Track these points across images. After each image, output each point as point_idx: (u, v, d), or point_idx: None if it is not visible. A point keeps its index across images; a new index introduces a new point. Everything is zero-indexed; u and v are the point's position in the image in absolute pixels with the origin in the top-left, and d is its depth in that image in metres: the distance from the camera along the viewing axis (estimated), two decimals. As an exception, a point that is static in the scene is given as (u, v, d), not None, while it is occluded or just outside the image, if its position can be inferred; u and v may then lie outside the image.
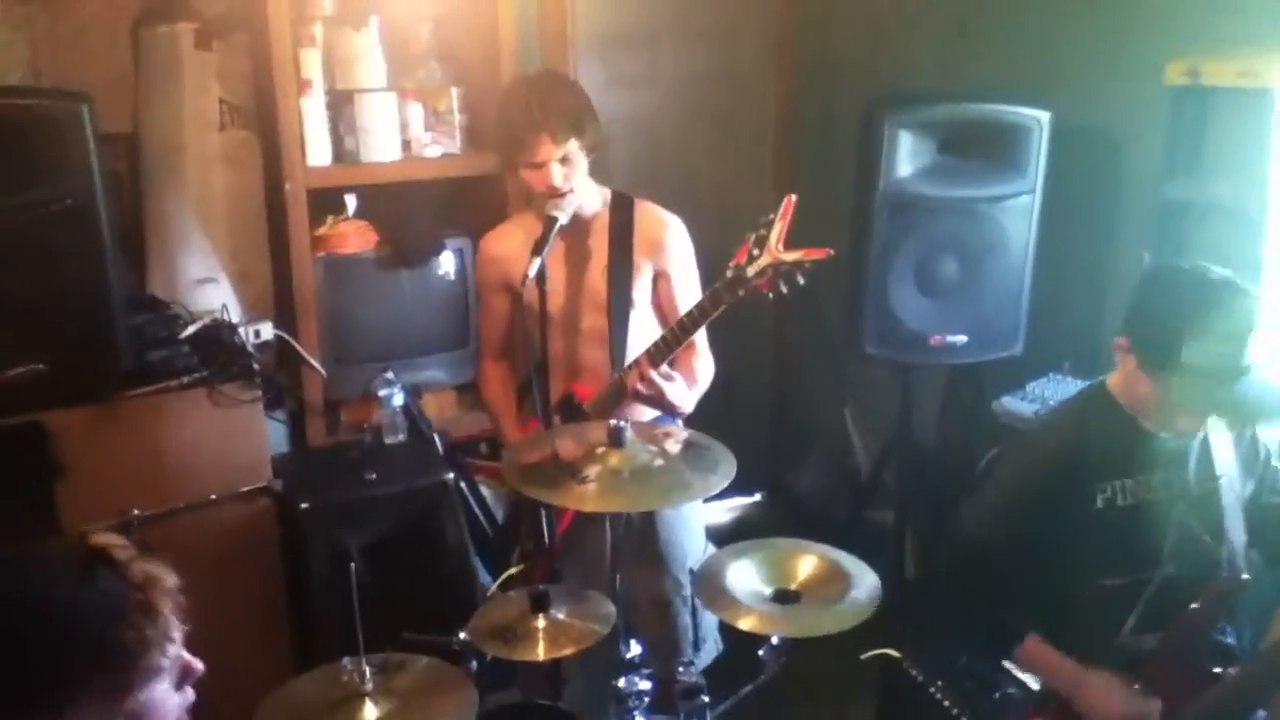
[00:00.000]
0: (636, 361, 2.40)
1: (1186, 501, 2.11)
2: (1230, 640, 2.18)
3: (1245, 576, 2.10)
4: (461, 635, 2.16)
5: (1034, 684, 2.36)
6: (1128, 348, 2.08)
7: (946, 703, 2.39)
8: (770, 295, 2.17)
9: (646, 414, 2.53)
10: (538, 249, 2.33)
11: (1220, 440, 2.16)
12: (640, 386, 2.37)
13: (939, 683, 2.43)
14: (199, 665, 1.31)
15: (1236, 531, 2.13)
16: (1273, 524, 2.21)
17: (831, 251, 2.13)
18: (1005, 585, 2.12)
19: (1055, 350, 3.11)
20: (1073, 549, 2.09)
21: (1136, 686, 2.03)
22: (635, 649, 2.17)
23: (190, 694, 1.31)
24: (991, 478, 2.26)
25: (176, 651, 1.27)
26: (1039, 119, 2.98)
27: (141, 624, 1.21)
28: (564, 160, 2.41)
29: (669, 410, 2.49)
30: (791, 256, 2.12)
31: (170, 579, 1.28)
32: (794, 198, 2.15)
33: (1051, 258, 3.08)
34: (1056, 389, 2.96)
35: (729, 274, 2.18)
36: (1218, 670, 2.06)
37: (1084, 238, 3.16)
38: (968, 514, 2.21)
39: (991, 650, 2.27)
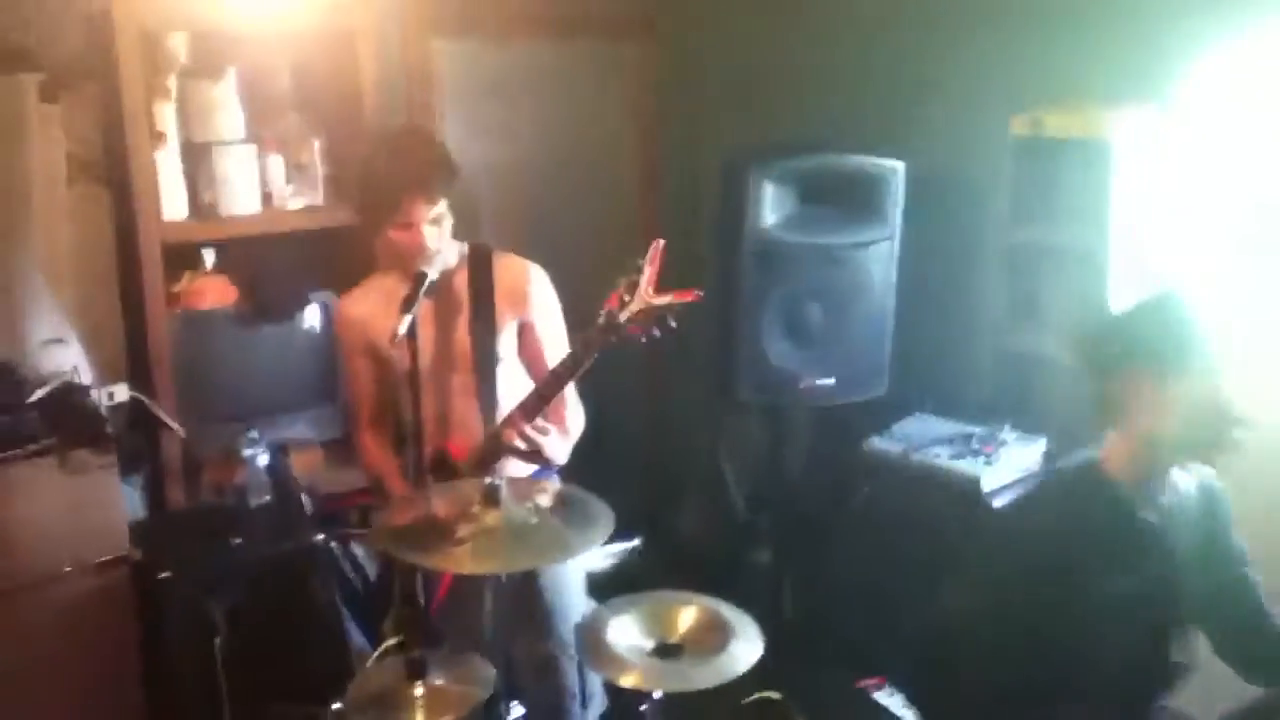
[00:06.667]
0: (510, 417, 2.38)
1: (1163, 587, 1.98)
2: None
3: None
4: (335, 707, 2.10)
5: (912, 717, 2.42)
6: (1139, 376, 1.92)
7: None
8: (643, 339, 2.18)
9: (522, 468, 2.51)
10: (407, 306, 2.28)
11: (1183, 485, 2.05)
12: (517, 441, 2.35)
13: (819, 724, 2.47)
14: None
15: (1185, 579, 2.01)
16: (1232, 602, 2.10)
17: (699, 293, 2.16)
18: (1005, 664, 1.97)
19: (918, 390, 3.21)
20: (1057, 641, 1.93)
21: None
22: (516, 711, 2.14)
23: None
24: (973, 568, 2.12)
25: None
26: (894, 168, 3.09)
27: None
28: (434, 220, 2.38)
29: (545, 463, 2.48)
30: (662, 300, 2.14)
31: None
32: (662, 242, 2.18)
33: (912, 302, 3.19)
34: (921, 428, 3.05)
35: (601, 320, 2.18)
36: None
37: (941, 282, 3.28)
38: (951, 604, 2.09)
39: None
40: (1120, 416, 1.95)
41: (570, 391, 2.52)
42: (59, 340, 2.97)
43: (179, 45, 3.04)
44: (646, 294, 2.14)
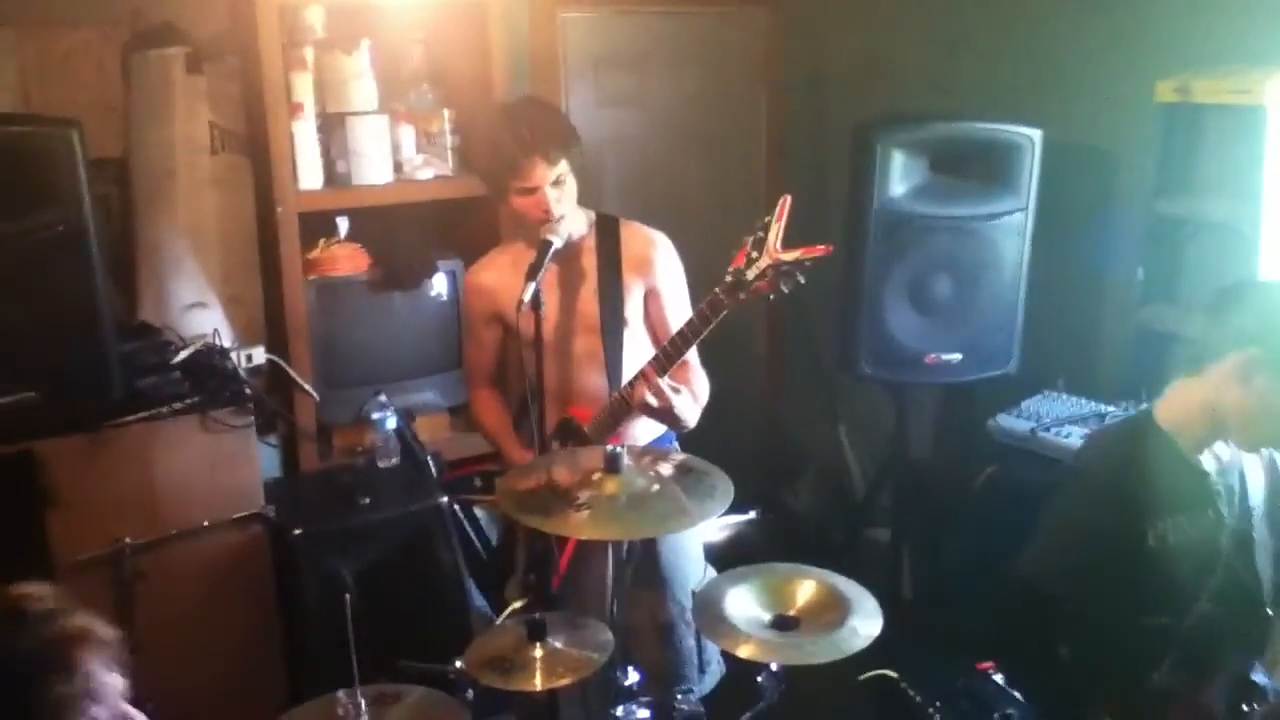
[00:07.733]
0: (641, 373, 2.38)
1: (1226, 537, 2.04)
2: (1260, 679, 2.09)
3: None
4: (457, 664, 2.14)
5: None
6: (1247, 350, 1.92)
7: (945, 725, 2.38)
8: (771, 296, 2.14)
9: (645, 436, 2.52)
10: (532, 274, 2.31)
11: (1254, 469, 2.11)
12: (649, 397, 2.35)
13: (937, 703, 2.42)
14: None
15: (1265, 566, 2.08)
16: None
17: (831, 248, 2.11)
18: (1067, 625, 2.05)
19: (1049, 368, 3.11)
20: (1118, 587, 2.01)
21: None
22: (633, 676, 2.15)
23: None
24: (1046, 516, 2.17)
25: (108, 710, 1.21)
26: (1030, 137, 2.98)
27: (55, 681, 1.17)
28: (556, 183, 2.40)
29: (675, 424, 2.47)
30: (790, 255, 2.09)
31: (102, 631, 1.22)
32: (789, 198, 2.13)
33: (1044, 275, 3.08)
34: (1051, 407, 2.96)
35: (728, 278, 2.15)
36: (1245, 709, 2.02)
37: (1076, 255, 3.17)
38: (1025, 554, 2.15)
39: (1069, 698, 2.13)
40: (1203, 371, 1.99)
41: (694, 358, 2.52)
42: (201, 304, 3.09)
43: (315, 18, 3.14)
44: (774, 250, 2.10)
